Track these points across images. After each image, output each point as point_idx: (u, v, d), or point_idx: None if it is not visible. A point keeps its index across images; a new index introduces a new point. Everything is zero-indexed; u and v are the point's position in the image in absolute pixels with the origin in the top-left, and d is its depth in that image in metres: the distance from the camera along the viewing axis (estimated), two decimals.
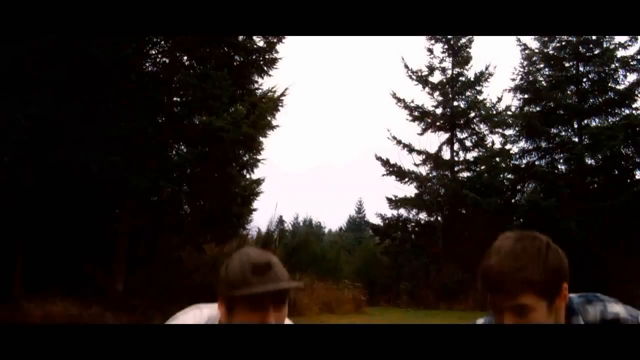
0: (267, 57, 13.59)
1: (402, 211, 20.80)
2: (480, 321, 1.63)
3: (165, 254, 13.37)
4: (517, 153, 19.98)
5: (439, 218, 20.41)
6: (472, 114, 21.07)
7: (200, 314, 1.72)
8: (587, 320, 1.52)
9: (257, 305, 1.55)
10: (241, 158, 13.56)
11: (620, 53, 18.92)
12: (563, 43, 19.47)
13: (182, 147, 13.33)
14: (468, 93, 21.21)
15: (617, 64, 18.87)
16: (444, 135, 21.15)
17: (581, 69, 19.31)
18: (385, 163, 20.66)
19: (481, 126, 21.18)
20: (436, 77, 21.30)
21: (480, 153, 20.75)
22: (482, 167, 20.36)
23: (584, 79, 19.38)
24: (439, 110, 21.27)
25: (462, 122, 21.08)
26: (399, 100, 21.01)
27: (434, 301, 17.57)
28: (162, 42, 13.27)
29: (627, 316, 1.49)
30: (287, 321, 1.69)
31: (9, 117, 9.22)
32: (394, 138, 20.71)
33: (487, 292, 1.46)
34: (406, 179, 20.71)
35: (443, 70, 21.24)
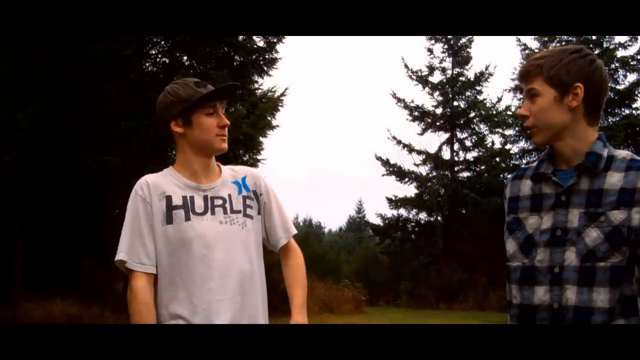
0: (267, 57, 13.59)
1: (402, 211, 20.80)
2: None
3: None
4: (517, 153, 19.97)
5: (439, 218, 20.40)
6: (472, 114, 21.07)
7: (146, 179, 1.93)
8: (612, 154, 1.60)
9: (213, 109, 1.89)
10: (241, 158, 13.56)
11: (620, 53, 18.91)
12: (563, 43, 19.48)
13: None
14: (468, 93, 21.20)
15: (617, 64, 18.86)
16: (444, 135, 21.15)
17: None
18: (385, 163, 20.65)
19: (481, 126, 21.17)
20: (436, 77, 21.29)
21: (480, 153, 20.74)
22: (482, 167, 20.35)
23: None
24: (439, 110, 21.26)
25: (462, 122, 21.07)
26: (399, 100, 21.00)
27: (434, 301, 17.55)
28: (162, 42, 13.27)
29: None
30: None
31: (9, 117, 9.21)
32: (394, 138, 20.72)
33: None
34: (406, 179, 20.69)
35: (443, 70, 21.23)
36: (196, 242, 1.84)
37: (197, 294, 1.83)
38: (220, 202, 1.92)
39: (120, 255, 1.88)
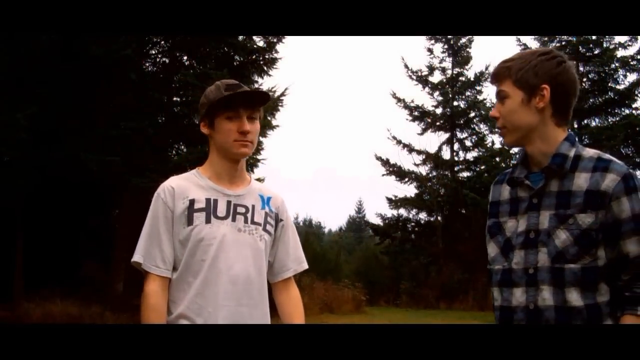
0: (267, 57, 13.59)
1: (402, 211, 20.79)
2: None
3: None
4: (517, 153, 19.90)
5: (439, 218, 20.40)
6: (472, 114, 21.07)
7: (170, 183, 1.94)
8: (579, 153, 1.63)
9: (233, 113, 1.88)
10: None
11: (620, 53, 18.91)
12: (563, 43, 19.47)
13: (182, 147, 13.33)
14: (468, 93, 21.20)
15: (617, 64, 18.86)
16: (444, 135, 21.15)
17: (581, 69, 19.31)
18: (385, 163, 20.65)
19: (481, 126, 21.17)
20: (436, 77, 21.29)
21: (480, 153, 20.74)
22: (482, 167, 20.35)
23: (584, 79, 19.37)
24: (439, 110, 21.26)
25: (462, 122, 21.08)
26: (399, 100, 21.00)
27: (434, 301, 17.55)
28: (162, 42, 13.26)
29: (620, 166, 1.58)
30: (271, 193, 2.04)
31: (9, 117, 9.21)
32: (394, 138, 20.72)
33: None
34: (406, 179, 20.69)
35: (443, 70, 21.23)
36: (213, 244, 1.85)
37: (205, 295, 1.84)
38: (243, 210, 1.92)
39: (136, 256, 1.90)
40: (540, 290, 1.57)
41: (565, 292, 1.54)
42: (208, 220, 1.87)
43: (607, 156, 1.61)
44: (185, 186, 1.92)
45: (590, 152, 1.64)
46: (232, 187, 1.95)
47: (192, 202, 1.88)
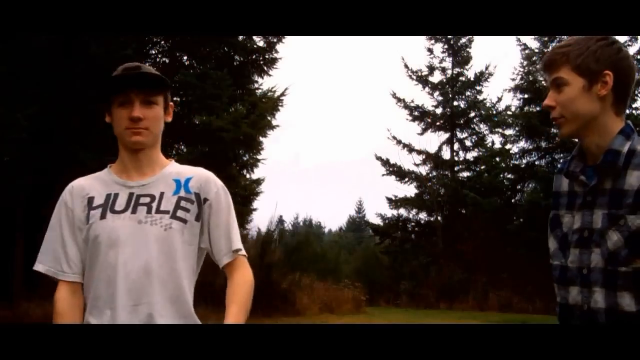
0: (267, 57, 13.59)
1: (402, 211, 20.81)
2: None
3: None
4: (517, 153, 19.96)
5: (439, 218, 20.41)
6: (472, 114, 21.08)
7: (72, 183, 1.83)
8: (634, 148, 1.52)
9: (124, 97, 1.72)
10: (241, 158, 13.55)
11: None
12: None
13: (182, 147, 13.33)
14: (468, 93, 21.21)
15: None
16: (444, 135, 21.16)
17: None
18: (385, 163, 20.65)
19: (481, 126, 21.19)
20: (436, 77, 21.31)
21: (480, 153, 20.75)
22: (482, 167, 20.36)
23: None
24: (439, 110, 21.28)
25: (462, 122, 21.09)
26: (399, 100, 21.01)
27: (434, 301, 17.56)
28: (162, 42, 13.27)
29: None
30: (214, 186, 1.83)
31: (9, 117, 9.21)
32: (394, 138, 20.72)
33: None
34: (406, 179, 20.70)
35: (443, 70, 21.24)
36: (105, 241, 1.69)
37: (102, 297, 1.68)
38: (146, 200, 1.74)
39: (36, 264, 1.80)
40: (593, 292, 1.50)
41: (618, 296, 1.47)
42: (103, 216, 1.72)
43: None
44: (86, 185, 1.80)
45: None
46: (137, 178, 1.79)
47: (90, 199, 1.76)
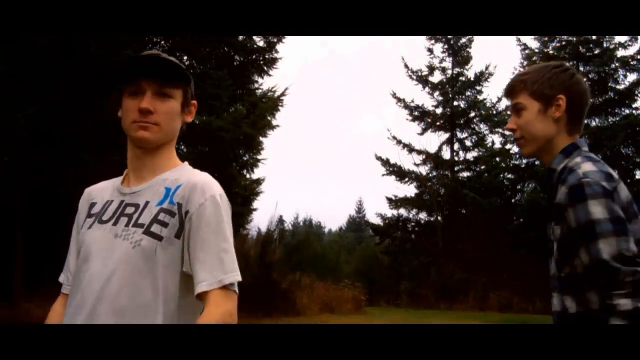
0: (267, 57, 13.60)
1: (402, 211, 20.85)
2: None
3: None
4: (517, 153, 19.98)
5: (439, 218, 20.42)
6: (472, 114, 21.09)
7: (89, 187, 1.68)
8: (568, 165, 1.68)
9: (135, 87, 1.50)
10: (241, 158, 13.55)
11: (620, 53, 18.94)
12: (563, 43, 19.47)
13: (182, 146, 13.33)
14: (468, 93, 21.24)
15: (617, 64, 18.88)
16: (444, 135, 21.20)
17: (581, 69, 19.31)
18: (385, 163, 20.67)
19: (481, 126, 21.20)
20: (436, 77, 21.35)
21: (480, 153, 20.77)
22: (482, 167, 20.38)
23: (584, 79, 19.38)
24: (439, 110, 21.30)
25: (462, 122, 21.10)
26: (399, 100, 21.03)
27: (434, 301, 17.57)
28: (162, 42, 13.27)
29: (574, 177, 1.60)
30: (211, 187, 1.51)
31: (9, 117, 9.22)
32: (394, 138, 20.74)
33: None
34: (406, 179, 20.72)
35: (443, 70, 21.27)
36: (82, 254, 1.51)
37: (71, 314, 1.48)
38: (131, 210, 1.50)
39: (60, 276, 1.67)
40: (552, 297, 1.68)
41: (564, 299, 1.62)
42: (90, 226, 1.54)
43: (577, 166, 1.63)
44: (95, 189, 1.65)
45: (575, 161, 1.66)
46: (134, 183, 1.56)
47: (92, 205, 1.60)
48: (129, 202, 1.52)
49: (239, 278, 1.45)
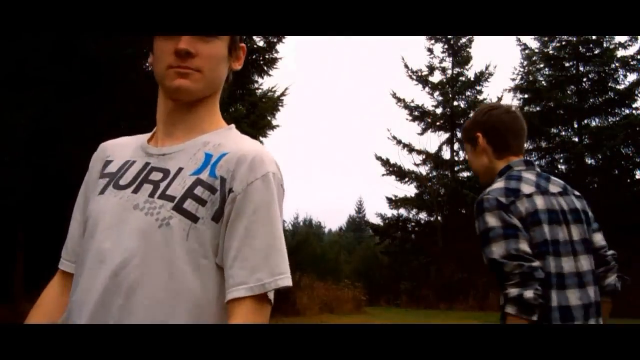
0: (267, 57, 13.60)
1: (402, 211, 20.84)
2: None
3: None
4: None
5: (439, 218, 20.42)
6: (472, 114, 21.13)
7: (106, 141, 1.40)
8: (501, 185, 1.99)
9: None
10: None
11: (620, 53, 18.95)
12: (563, 43, 19.48)
13: None
14: (468, 93, 21.25)
15: (617, 64, 18.88)
16: (444, 135, 21.20)
17: (581, 68, 19.32)
18: (385, 163, 20.67)
19: None
20: (436, 77, 21.35)
21: None
22: None
23: (584, 79, 19.38)
24: (439, 110, 21.31)
25: (462, 122, 21.10)
26: (399, 100, 21.03)
27: (434, 301, 17.58)
28: None
29: (487, 189, 1.92)
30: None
31: (9, 117, 9.22)
32: (394, 138, 20.74)
33: None
34: (406, 179, 20.72)
35: (443, 70, 21.27)
36: (90, 226, 1.19)
37: (77, 293, 1.17)
38: (158, 176, 1.18)
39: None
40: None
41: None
42: (102, 191, 1.22)
43: (492, 185, 1.94)
44: (112, 145, 1.36)
45: (496, 181, 1.98)
46: (165, 143, 1.24)
47: (106, 164, 1.29)
48: (156, 166, 1.19)
49: (289, 282, 1.18)
